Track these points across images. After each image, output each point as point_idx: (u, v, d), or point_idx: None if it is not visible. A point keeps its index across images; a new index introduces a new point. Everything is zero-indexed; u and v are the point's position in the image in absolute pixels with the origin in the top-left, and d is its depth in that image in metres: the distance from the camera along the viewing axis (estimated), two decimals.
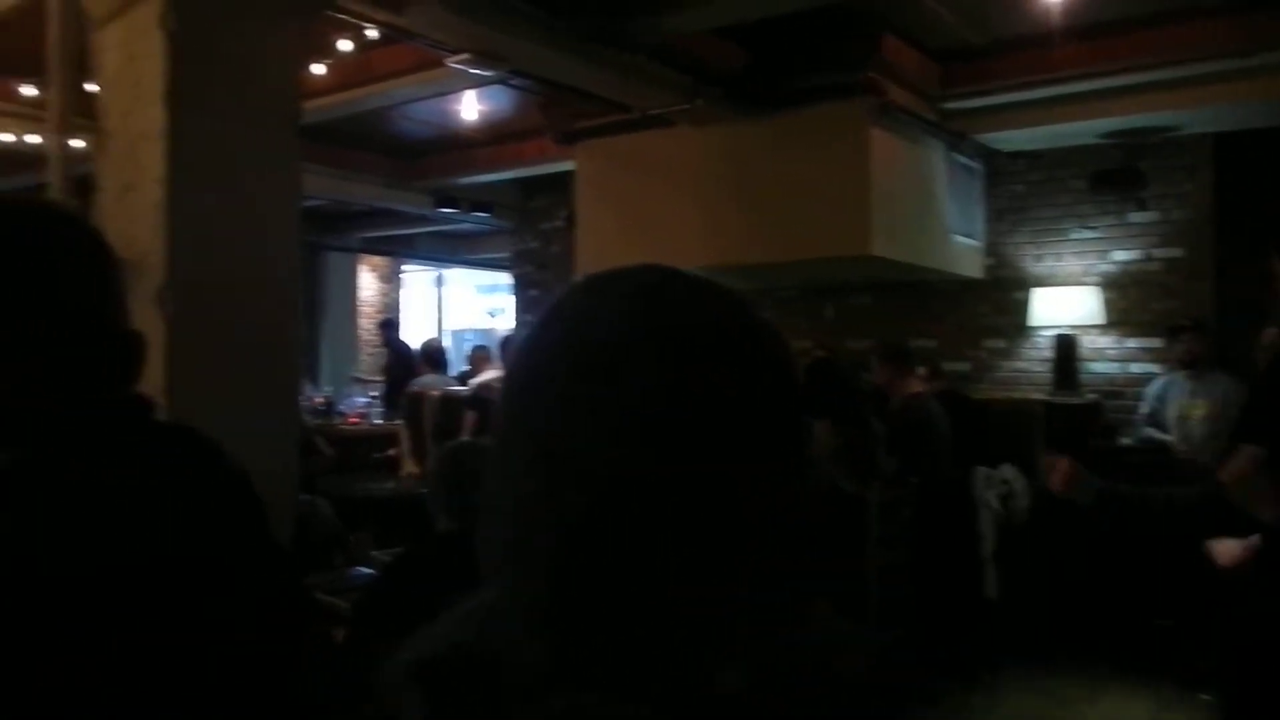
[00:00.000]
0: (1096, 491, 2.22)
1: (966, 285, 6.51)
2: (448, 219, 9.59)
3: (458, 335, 13.24)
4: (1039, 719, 4.59)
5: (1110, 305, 6.04)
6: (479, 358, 7.80)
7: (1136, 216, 6.05)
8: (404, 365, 8.79)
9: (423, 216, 9.60)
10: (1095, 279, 6.15)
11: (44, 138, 4.35)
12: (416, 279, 13.73)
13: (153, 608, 0.76)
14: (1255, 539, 2.11)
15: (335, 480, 5.84)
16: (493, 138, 7.44)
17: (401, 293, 13.24)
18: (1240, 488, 1.85)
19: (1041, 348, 6.32)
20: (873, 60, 5.02)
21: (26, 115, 5.42)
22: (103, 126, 2.92)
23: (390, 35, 4.24)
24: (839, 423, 4.54)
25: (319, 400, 8.05)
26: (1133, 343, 6.08)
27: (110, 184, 2.89)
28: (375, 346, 11.51)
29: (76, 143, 3.31)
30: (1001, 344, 6.54)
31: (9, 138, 5.65)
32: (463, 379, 7.54)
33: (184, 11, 2.72)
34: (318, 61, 4.47)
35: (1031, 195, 6.46)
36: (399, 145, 7.83)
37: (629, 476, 0.44)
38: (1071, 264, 6.29)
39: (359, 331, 12.04)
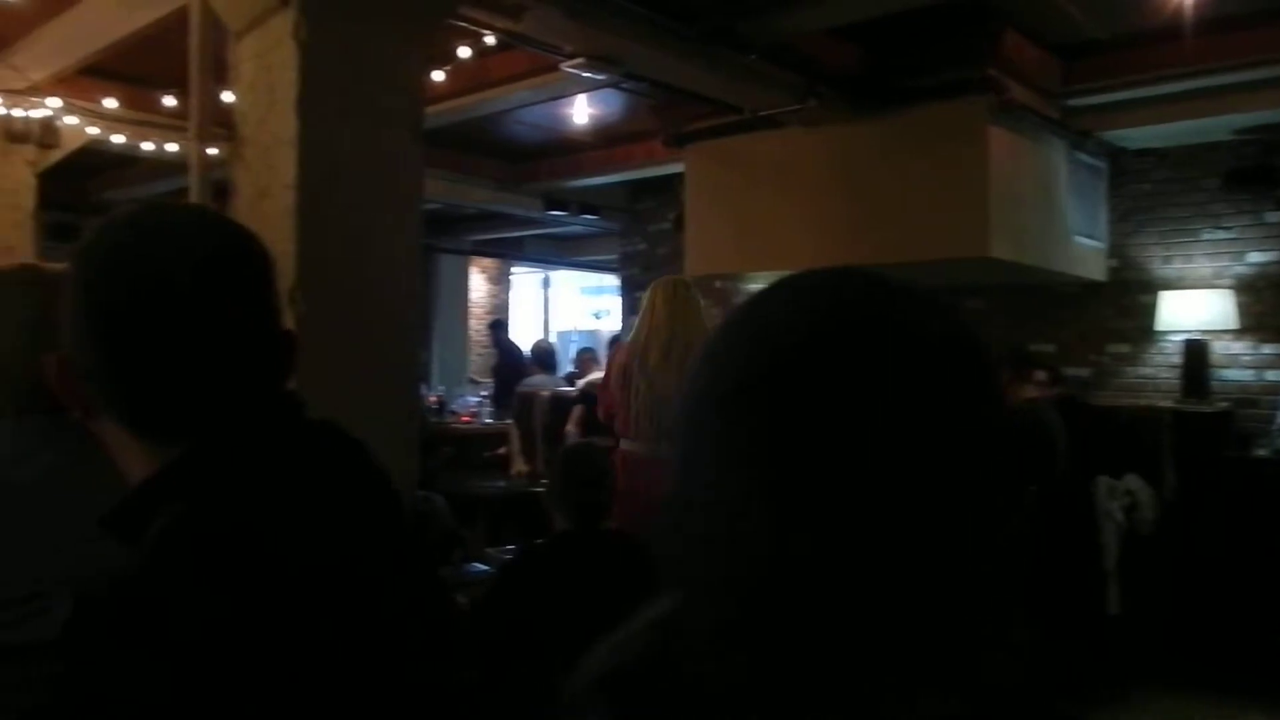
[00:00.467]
0: None
1: (1088, 288, 6.28)
2: (556, 221, 9.73)
3: (563, 336, 13.41)
4: None
5: (1244, 309, 5.75)
6: (586, 359, 7.90)
7: (1274, 216, 5.74)
8: (513, 365, 8.95)
9: (532, 219, 9.75)
10: (1228, 282, 5.86)
11: (184, 146, 4.59)
12: (524, 281, 13.96)
13: (316, 602, 0.79)
14: None
15: (447, 478, 5.98)
16: (602, 141, 7.51)
17: (510, 294, 13.47)
18: None
19: (1169, 353, 6.05)
20: (993, 57, 4.89)
21: (167, 125, 5.71)
22: (239, 134, 3.06)
23: (507, 41, 4.31)
24: None
25: (432, 399, 8.25)
26: (1269, 349, 5.76)
27: (246, 189, 3.02)
28: (484, 347, 11.75)
29: (212, 150, 3.47)
30: (1125, 349, 6.28)
31: (150, 146, 5.96)
32: (570, 380, 7.64)
33: (315, 22, 2.83)
34: (438, 68, 4.58)
35: (1159, 194, 6.19)
36: (510, 149, 7.97)
37: (840, 500, 0.43)
38: (1202, 266, 6.00)
39: (469, 332, 12.30)
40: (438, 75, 4.63)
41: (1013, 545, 0.45)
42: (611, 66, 4.45)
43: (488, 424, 8.01)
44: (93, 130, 5.75)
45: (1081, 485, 4.84)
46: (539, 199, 8.92)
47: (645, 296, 3.75)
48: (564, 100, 6.22)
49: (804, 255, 6.01)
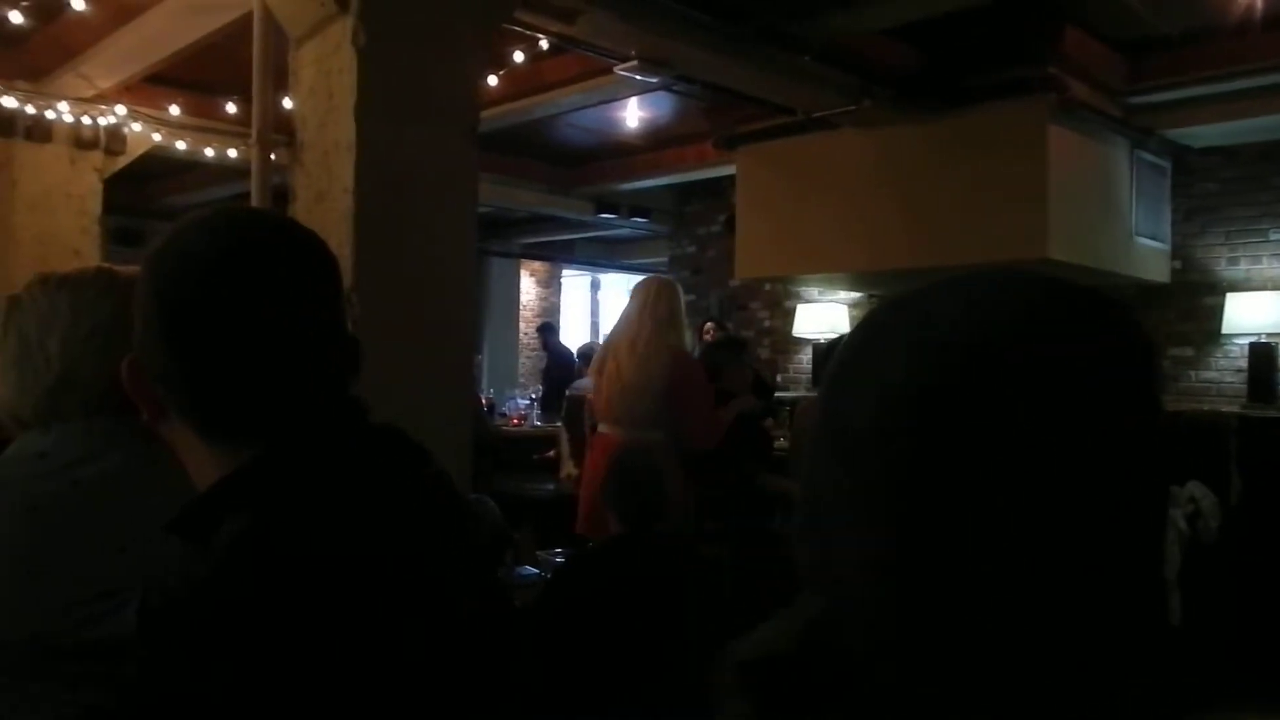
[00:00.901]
0: None
1: (1150, 290, 6.13)
2: (606, 224, 9.75)
3: None
4: None
5: None
6: None
7: None
8: (562, 368, 8.98)
9: (582, 222, 9.78)
10: None
11: (245, 151, 4.68)
12: (573, 284, 14.01)
13: (384, 607, 0.79)
14: None
15: (497, 480, 6.01)
16: (653, 143, 7.52)
17: (560, 297, 13.53)
18: None
19: (1235, 357, 5.89)
20: (1054, 54, 4.80)
21: (228, 131, 5.83)
22: (299, 139, 3.10)
23: (561, 45, 4.33)
24: None
25: (482, 401, 8.30)
26: None
27: (304, 193, 3.06)
28: (534, 350, 11.81)
29: (272, 155, 3.53)
30: (1189, 352, 6.13)
31: (211, 152, 6.08)
32: None
33: (373, 28, 2.86)
34: (493, 73, 4.62)
35: (1225, 194, 6.03)
36: (561, 152, 8.01)
37: (998, 508, 0.41)
38: (1270, 267, 5.83)
39: (520, 335, 12.38)
40: (491, 79, 4.66)
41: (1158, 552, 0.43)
42: (664, 69, 4.45)
43: (537, 426, 8.04)
44: (156, 137, 5.88)
45: None
46: (589, 202, 8.95)
47: (631, 293, 3.95)
48: (615, 103, 6.23)
49: (855, 259, 5.96)
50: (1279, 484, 5.06)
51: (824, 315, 7.82)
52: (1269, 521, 5.00)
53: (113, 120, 5.67)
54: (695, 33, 4.16)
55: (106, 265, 1.20)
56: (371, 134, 2.86)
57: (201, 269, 0.83)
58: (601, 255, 12.28)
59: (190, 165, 7.38)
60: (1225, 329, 5.79)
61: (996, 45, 4.93)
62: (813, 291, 7.95)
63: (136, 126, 5.77)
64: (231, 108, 5.60)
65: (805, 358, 8.17)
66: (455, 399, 3.09)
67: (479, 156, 3.19)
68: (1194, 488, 4.87)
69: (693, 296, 9.28)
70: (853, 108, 5.11)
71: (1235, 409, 5.58)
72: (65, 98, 5.45)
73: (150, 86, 5.66)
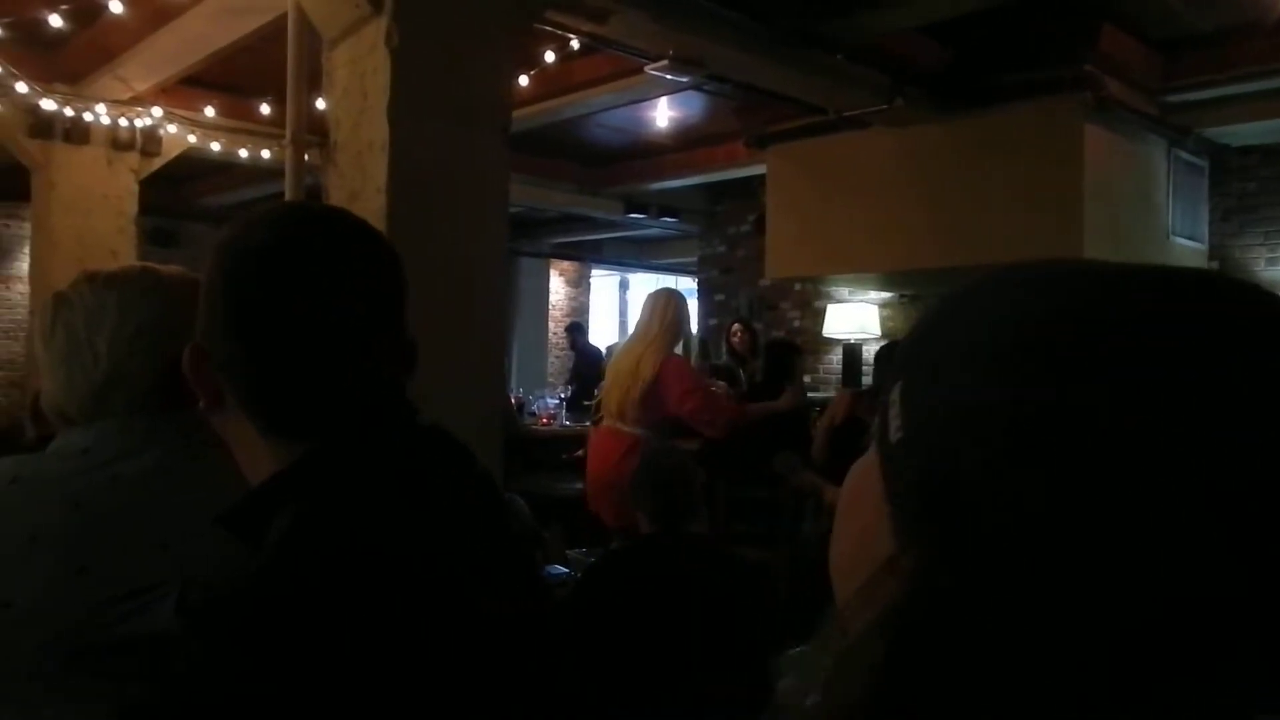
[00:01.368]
0: None
1: None
2: (635, 224, 9.75)
3: None
4: None
5: None
6: None
7: None
8: (591, 367, 8.99)
9: (611, 222, 9.79)
10: None
11: (279, 152, 4.72)
12: (602, 284, 14.03)
13: (433, 605, 0.79)
14: None
15: (526, 479, 6.02)
16: (683, 143, 7.51)
17: (589, 297, 13.55)
18: None
19: None
20: (1090, 52, 4.75)
21: (262, 132, 5.88)
22: (332, 139, 3.12)
23: (592, 45, 4.33)
24: None
25: (512, 401, 8.32)
26: None
27: (338, 193, 3.08)
28: (563, 349, 11.83)
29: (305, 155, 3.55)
30: None
31: (245, 153, 6.14)
32: None
33: (406, 29, 2.88)
34: (524, 73, 4.63)
35: (1264, 193, 5.94)
36: (591, 152, 8.02)
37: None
38: None
39: (549, 335, 12.41)
40: (522, 79, 4.67)
41: None
42: (695, 68, 4.44)
43: (566, 426, 8.05)
44: (192, 138, 5.95)
45: None
46: (619, 202, 8.95)
47: (644, 304, 4.34)
48: (645, 103, 6.23)
49: (886, 259, 5.93)
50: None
51: (854, 315, 7.78)
52: None
53: (149, 122, 5.74)
54: (727, 32, 4.15)
55: (151, 265, 1.21)
56: (404, 134, 2.88)
57: (269, 261, 0.84)
58: (630, 255, 12.29)
59: (225, 166, 7.46)
60: None
61: (1030, 43, 4.88)
62: (843, 291, 7.91)
63: (172, 128, 5.83)
64: (266, 109, 5.65)
65: (835, 358, 8.14)
66: (486, 398, 3.10)
67: (510, 156, 3.20)
68: None
69: (722, 296, 9.27)
70: (884, 107, 5.07)
71: None
72: (102, 100, 5.52)
73: (186, 88, 5.73)
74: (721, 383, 6.24)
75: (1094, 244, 4.96)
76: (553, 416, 8.28)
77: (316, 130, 3.50)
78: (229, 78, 5.60)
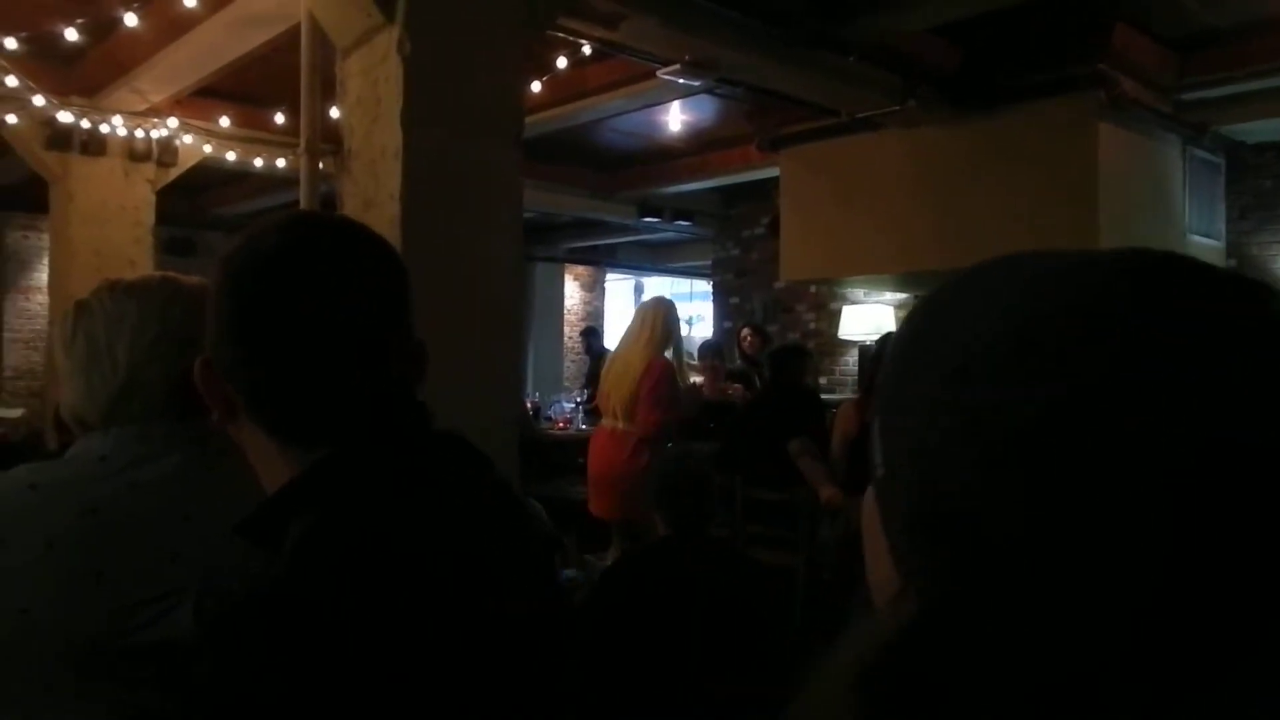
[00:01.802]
0: None
1: None
2: (650, 228, 9.75)
3: None
4: None
5: None
6: None
7: None
8: None
9: (625, 226, 9.79)
10: None
11: (293, 161, 4.75)
12: (616, 288, 14.04)
13: (451, 610, 0.79)
14: None
15: (542, 483, 6.02)
16: (696, 147, 7.52)
17: (604, 301, 13.57)
18: None
19: None
20: (1104, 51, 4.72)
21: (276, 142, 5.92)
22: (346, 147, 3.14)
23: (604, 50, 4.34)
24: None
25: (527, 405, 8.34)
26: None
27: (351, 201, 3.09)
28: (578, 353, 11.85)
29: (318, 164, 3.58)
30: None
31: (260, 162, 6.18)
32: None
33: (419, 37, 2.89)
34: (537, 79, 4.64)
35: None
36: (605, 157, 8.03)
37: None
38: None
39: (564, 339, 12.43)
40: (535, 85, 4.69)
41: None
42: (708, 72, 4.44)
43: (582, 430, 8.05)
44: (207, 148, 5.99)
45: None
46: (633, 206, 8.96)
47: (634, 313, 4.72)
48: (658, 107, 6.24)
49: (900, 260, 5.91)
50: None
51: (870, 317, 7.76)
52: None
53: (165, 133, 5.78)
54: (739, 36, 4.15)
55: (171, 274, 1.23)
56: (418, 141, 2.89)
57: (272, 270, 0.85)
58: (645, 259, 12.29)
59: (240, 176, 7.52)
60: None
61: (1044, 42, 4.86)
62: (858, 293, 7.90)
63: (188, 139, 5.88)
64: (280, 118, 5.69)
65: (851, 360, 8.12)
66: (502, 403, 3.11)
67: (523, 162, 3.21)
68: None
69: (737, 299, 9.27)
70: (897, 108, 5.07)
71: None
72: (119, 112, 5.57)
73: (201, 99, 5.78)
74: (738, 385, 6.24)
75: (1109, 243, 4.89)
76: (569, 420, 8.28)
77: (330, 139, 3.52)
78: (243, 88, 5.64)
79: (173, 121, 5.72)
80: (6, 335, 9.43)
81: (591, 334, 10.62)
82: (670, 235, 10.47)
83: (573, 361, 12.30)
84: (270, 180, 7.00)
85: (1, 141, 5.76)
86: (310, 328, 0.83)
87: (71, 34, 4.42)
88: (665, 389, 4.36)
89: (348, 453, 0.83)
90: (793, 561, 4.22)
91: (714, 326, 9.79)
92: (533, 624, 0.88)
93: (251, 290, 0.84)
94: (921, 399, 0.44)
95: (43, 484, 1.08)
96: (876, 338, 7.69)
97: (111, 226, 5.85)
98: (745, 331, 7.27)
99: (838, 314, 8.03)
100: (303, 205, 3.51)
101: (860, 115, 5.34)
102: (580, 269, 12.84)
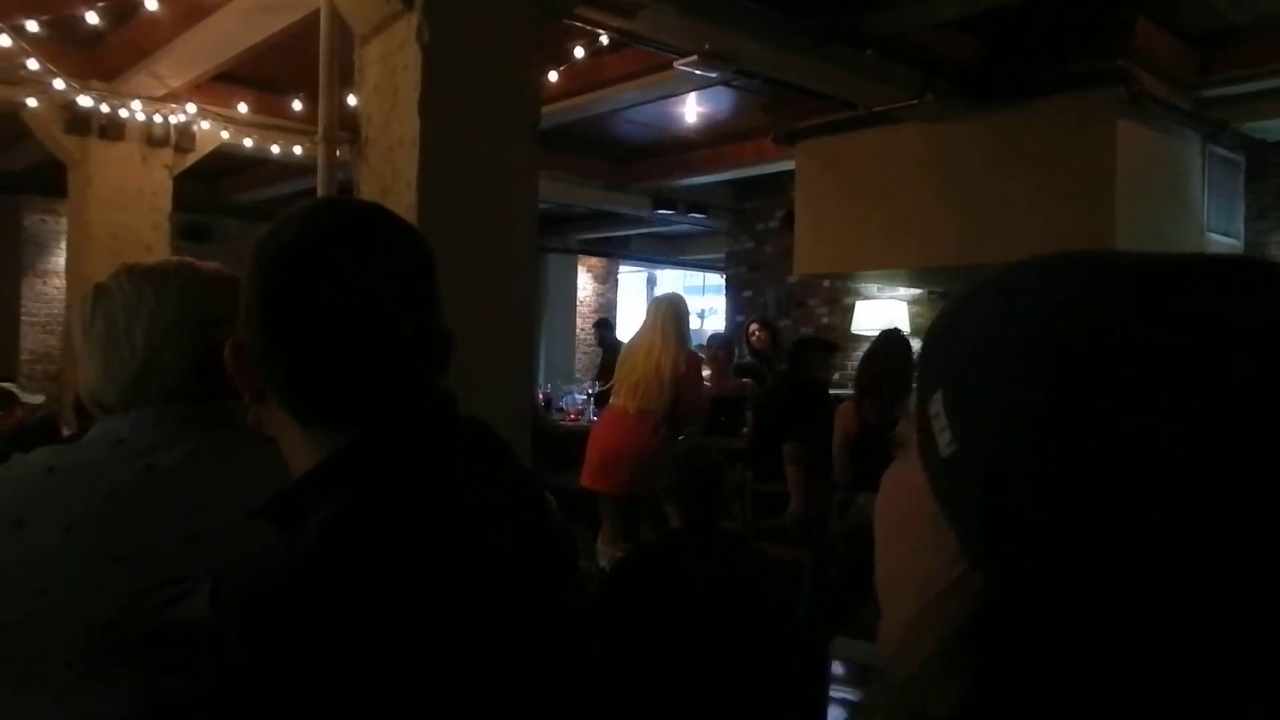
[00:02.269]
0: None
1: None
2: (663, 220, 9.74)
3: None
4: None
5: None
6: None
7: None
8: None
9: (639, 218, 9.78)
10: None
11: (310, 148, 4.76)
12: (629, 280, 14.03)
13: (474, 597, 0.80)
14: None
15: (553, 475, 6.03)
16: (712, 139, 7.50)
17: (616, 293, 13.56)
18: None
19: None
20: (1124, 47, 4.68)
21: (294, 129, 5.94)
22: (363, 135, 3.14)
23: (621, 40, 4.33)
24: None
25: (539, 397, 8.35)
26: None
27: (368, 189, 3.10)
28: (591, 345, 11.85)
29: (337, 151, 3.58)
30: None
31: (277, 149, 6.20)
32: None
33: (438, 25, 2.89)
34: (553, 69, 4.64)
35: None
36: (619, 148, 8.02)
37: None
38: None
39: (577, 331, 12.43)
40: (552, 75, 4.69)
41: None
42: (725, 63, 4.43)
43: (593, 421, 8.05)
44: (225, 134, 6.01)
45: None
46: (647, 198, 8.95)
47: (647, 309, 5.05)
48: (673, 99, 6.22)
49: (915, 255, 5.88)
50: None
51: (884, 312, 7.74)
52: None
53: (183, 118, 5.81)
54: (757, 27, 4.13)
55: (188, 259, 1.23)
56: (435, 130, 2.89)
57: (293, 256, 0.86)
58: (658, 251, 12.28)
59: (257, 162, 7.54)
60: None
61: (1063, 37, 4.83)
62: (872, 288, 7.87)
63: (205, 124, 5.90)
64: (298, 105, 5.70)
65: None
66: (515, 394, 3.11)
67: (539, 152, 3.21)
68: None
69: (750, 293, 9.25)
70: (914, 102, 5.04)
71: None
72: (138, 96, 5.59)
73: (219, 85, 5.79)
74: (747, 380, 6.24)
75: (1126, 241, 4.90)
76: (580, 412, 8.29)
77: (348, 126, 3.53)
78: (261, 74, 5.65)
79: (191, 107, 5.74)
80: (24, 319, 9.49)
81: (605, 325, 10.61)
82: (684, 228, 10.46)
83: (584, 353, 12.31)
84: (287, 167, 7.02)
85: (21, 125, 5.80)
86: (333, 316, 0.84)
87: (92, 18, 4.44)
88: (701, 379, 4.86)
89: (372, 439, 0.83)
90: (800, 556, 4.22)
91: (726, 320, 9.78)
92: (556, 613, 0.88)
93: (274, 277, 0.85)
94: (995, 374, 0.43)
95: (61, 467, 1.08)
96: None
97: (129, 211, 5.88)
98: (754, 326, 7.26)
99: (851, 309, 8.01)
100: (320, 192, 3.52)
101: (877, 109, 5.32)
102: (593, 261, 12.83)
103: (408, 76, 2.92)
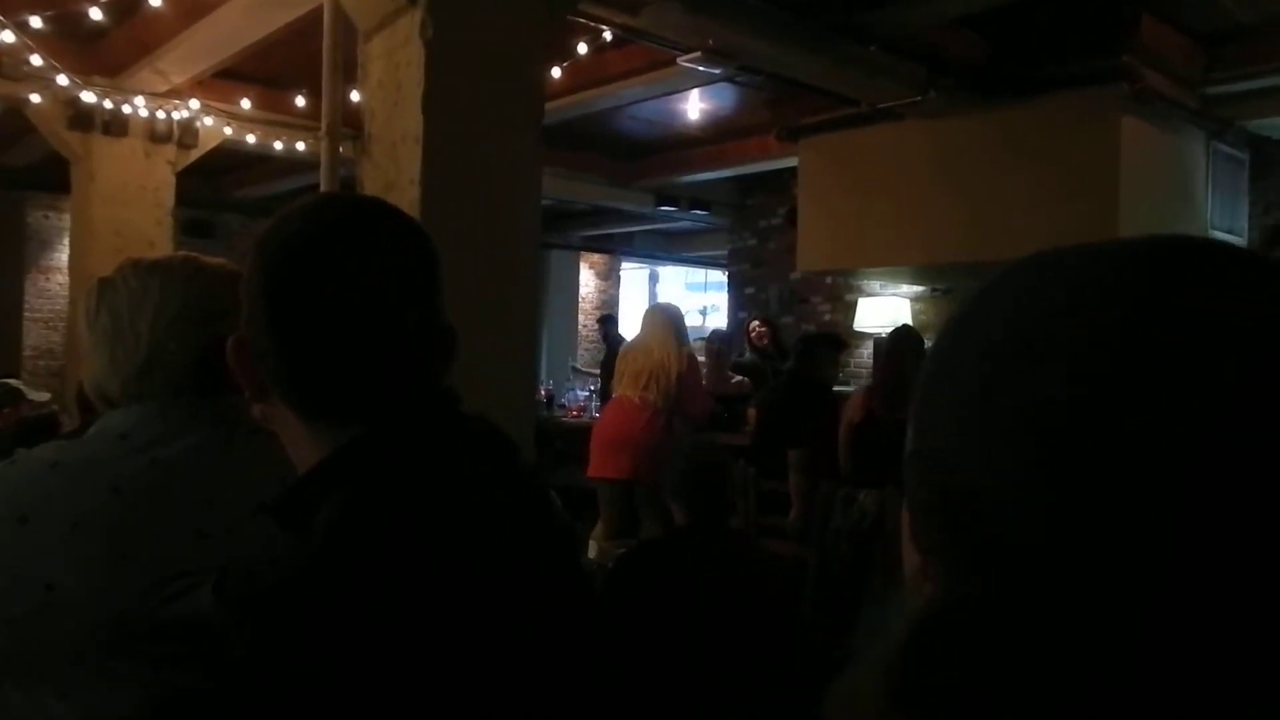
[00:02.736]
0: None
1: None
2: (665, 217, 9.73)
3: None
4: None
5: None
6: None
7: None
8: None
9: (641, 215, 9.78)
10: None
11: (313, 144, 4.76)
12: (631, 276, 14.03)
13: (481, 595, 0.80)
14: None
15: (554, 472, 6.04)
16: (714, 136, 7.48)
17: (619, 289, 13.56)
18: None
19: None
20: (1129, 44, 4.67)
21: (297, 125, 5.93)
22: (367, 131, 3.14)
23: (624, 36, 4.33)
24: None
25: (541, 393, 8.35)
26: None
27: (372, 185, 3.10)
28: (593, 341, 11.85)
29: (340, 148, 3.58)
30: None
31: (280, 145, 6.20)
32: None
33: (441, 21, 2.88)
34: (556, 65, 4.63)
35: None
36: (622, 145, 8.01)
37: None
38: None
39: (579, 327, 12.43)
40: (555, 71, 4.68)
41: None
42: (728, 60, 4.43)
43: (595, 418, 8.05)
44: (228, 130, 6.01)
45: None
46: (649, 195, 8.94)
47: (643, 316, 5.25)
48: (677, 95, 6.21)
49: (918, 252, 5.88)
50: None
51: (886, 309, 7.73)
52: None
53: (186, 114, 5.80)
54: (761, 24, 4.13)
55: (193, 254, 1.23)
56: (438, 126, 2.89)
57: (302, 251, 0.85)
58: (661, 248, 12.27)
59: (260, 158, 7.53)
60: None
61: (1068, 34, 4.82)
62: (875, 285, 7.86)
63: (208, 120, 5.90)
64: (301, 101, 5.70)
65: (867, 352, 8.08)
66: (518, 391, 3.11)
67: (542, 148, 3.20)
68: None
69: (753, 290, 9.24)
70: (918, 99, 5.03)
71: None
72: (141, 92, 5.59)
73: (222, 81, 5.79)
74: (744, 379, 6.23)
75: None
76: (583, 408, 8.29)
77: (351, 122, 3.53)
78: (265, 70, 5.65)
79: (194, 103, 5.74)
80: (27, 315, 9.49)
81: (609, 321, 10.59)
82: (686, 224, 10.44)
83: (586, 350, 12.30)
84: (290, 163, 7.02)
85: (24, 121, 5.80)
86: (335, 311, 0.84)
87: (95, 14, 4.43)
88: (700, 379, 5.01)
89: (376, 435, 0.83)
90: (803, 554, 4.22)
91: (729, 317, 9.77)
92: (561, 611, 0.88)
93: (276, 272, 0.85)
94: (953, 376, 0.45)
95: (65, 462, 1.08)
96: (889, 331, 7.68)
97: (132, 207, 5.88)
98: (755, 323, 7.26)
99: (853, 306, 8.00)
100: (323, 189, 3.52)
101: (881, 106, 5.31)
102: (596, 257, 12.82)
103: (411, 73, 2.92)
